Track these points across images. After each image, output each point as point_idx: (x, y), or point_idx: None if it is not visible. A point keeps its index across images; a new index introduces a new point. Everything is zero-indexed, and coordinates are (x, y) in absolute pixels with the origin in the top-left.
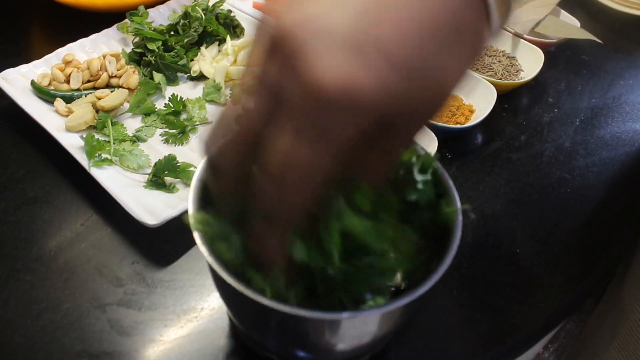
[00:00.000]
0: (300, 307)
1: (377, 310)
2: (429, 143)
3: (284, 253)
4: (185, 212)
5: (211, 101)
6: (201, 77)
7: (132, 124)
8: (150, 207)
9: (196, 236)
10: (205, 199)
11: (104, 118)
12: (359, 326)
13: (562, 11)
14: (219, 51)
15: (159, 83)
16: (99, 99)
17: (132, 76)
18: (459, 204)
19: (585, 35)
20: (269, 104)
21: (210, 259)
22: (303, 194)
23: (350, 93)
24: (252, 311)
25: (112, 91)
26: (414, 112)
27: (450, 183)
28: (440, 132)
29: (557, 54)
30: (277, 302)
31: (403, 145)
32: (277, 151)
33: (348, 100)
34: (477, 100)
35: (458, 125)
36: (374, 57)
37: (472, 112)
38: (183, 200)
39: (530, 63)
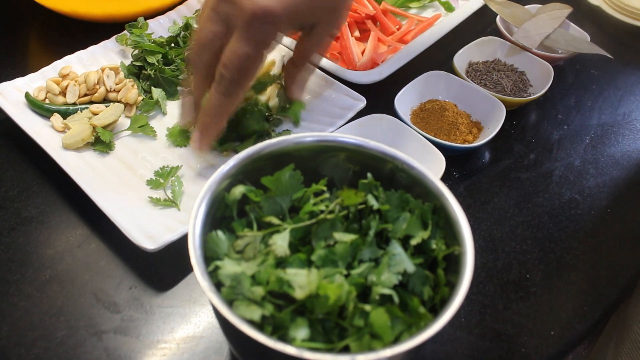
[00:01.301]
0: (306, 348)
1: (385, 353)
2: (437, 163)
3: (228, 116)
4: (185, 235)
5: None
6: None
7: (130, 142)
8: (149, 231)
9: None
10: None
11: (105, 137)
12: None
13: (572, 24)
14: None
15: (158, 100)
16: (94, 114)
17: (131, 91)
18: (469, 245)
19: (595, 49)
20: (223, 26)
21: (213, 297)
22: (247, 74)
23: (269, 10)
24: (255, 350)
25: (107, 106)
26: (315, 18)
27: (460, 219)
28: (448, 151)
29: (567, 69)
30: (282, 343)
31: (319, 42)
32: (230, 51)
33: (269, 14)
34: (485, 117)
35: (466, 145)
36: None
37: (480, 129)
38: (182, 223)
39: (539, 78)
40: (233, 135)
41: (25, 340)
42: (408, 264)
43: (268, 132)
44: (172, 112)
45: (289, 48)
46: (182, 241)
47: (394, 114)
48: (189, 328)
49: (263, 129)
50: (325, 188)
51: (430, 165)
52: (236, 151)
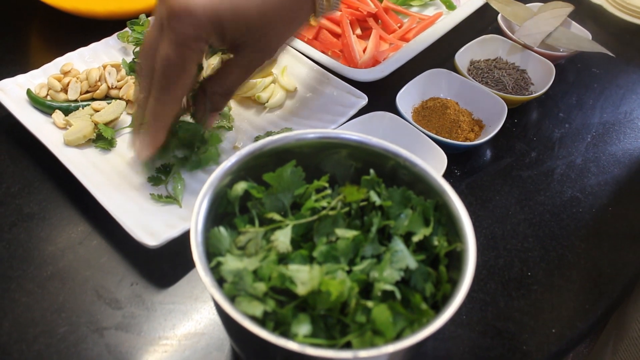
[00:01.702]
0: (308, 344)
1: (387, 349)
2: (438, 161)
3: (164, 123)
4: (186, 232)
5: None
6: None
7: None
8: (150, 227)
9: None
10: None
11: (107, 133)
12: None
13: (573, 23)
14: (222, 61)
15: None
16: (96, 111)
17: (133, 88)
18: (471, 241)
19: (597, 48)
20: (159, 29)
21: (215, 293)
22: (170, 78)
23: (189, 9)
24: (257, 345)
25: (108, 103)
26: (240, 35)
27: (462, 216)
28: (449, 149)
29: (568, 67)
30: (284, 339)
31: (242, 65)
32: (158, 53)
33: (188, 13)
34: (486, 115)
35: (467, 143)
36: None
37: (481, 127)
38: (184, 220)
39: (540, 76)
40: (173, 145)
41: (27, 336)
42: (410, 261)
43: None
44: None
45: (330, 71)
46: (184, 238)
47: (396, 111)
48: (191, 325)
49: (196, 142)
50: (327, 184)
51: (432, 163)
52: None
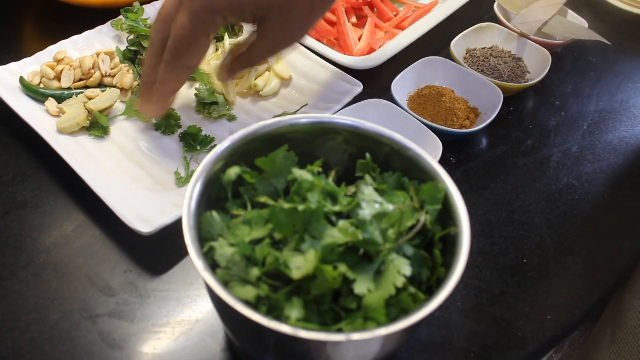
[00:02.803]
0: (301, 327)
1: (380, 332)
2: (433, 148)
3: (177, 85)
4: (180, 219)
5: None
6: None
7: (125, 126)
8: (144, 214)
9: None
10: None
11: (102, 121)
12: (362, 347)
13: (570, 11)
14: (216, 49)
15: None
16: (89, 98)
17: (126, 75)
18: (465, 225)
19: (593, 36)
20: (177, 2)
21: (207, 277)
22: (182, 46)
23: None
24: (250, 330)
25: (102, 91)
26: (261, 9)
27: (456, 199)
28: (444, 136)
29: (564, 55)
30: (277, 322)
31: (267, 40)
32: (174, 21)
33: None
34: (482, 102)
35: (463, 130)
36: None
37: (477, 115)
38: (177, 207)
39: (536, 64)
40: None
41: (19, 323)
42: (405, 245)
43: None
44: None
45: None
46: (177, 225)
47: (391, 99)
48: (184, 312)
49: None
50: (320, 169)
51: (427, 150)
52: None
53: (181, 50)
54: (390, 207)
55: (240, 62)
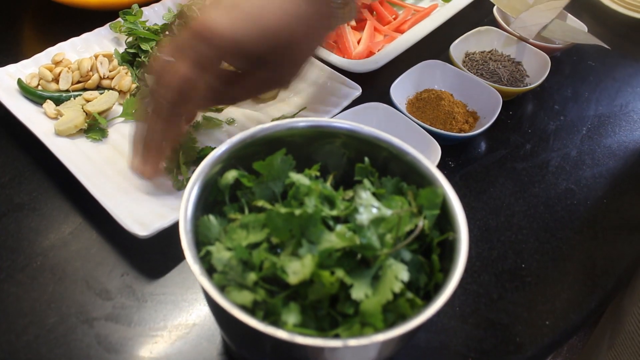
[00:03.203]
0: (298, 333)
1: (377, 338)
2: (432, 152)
3: (170, 137)
4: (177, 222)
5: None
6: None
7: (123, 129)
8: (141, 217)
9: (185, 249)
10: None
11: (102, 122)
12: (359, 352)
13: (569, 15)
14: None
15: None
16: (88, 101)
17: (125, 78)
18: (463, 230)
19: (593, 40)
20: (176, 51)
21: (204, 281)
22: (182, 96)
23: (212, 28)
24: (246, 335)
25: (101, 93)
26: (260, 52)
27: (454, 204)
28: (443, 140)
29: (564, 60)
30: (274, 327)
31: (253, 85)
32: (175, 70)
33: (210, 32)
34: (481, 106)
35: (462, 134)
36: (235, 12)
37: (476, 119)
38: (174, 210)
39: (536, 68)
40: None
41: (16, 327)
42: (403, 251)
43: None
44: None
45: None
46: (175, 228)
47: (390, 103)
48: (181, 316)
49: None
50: (318, 173)
51: (426, 154)
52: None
53: (177, 98)
54: (388, 212)
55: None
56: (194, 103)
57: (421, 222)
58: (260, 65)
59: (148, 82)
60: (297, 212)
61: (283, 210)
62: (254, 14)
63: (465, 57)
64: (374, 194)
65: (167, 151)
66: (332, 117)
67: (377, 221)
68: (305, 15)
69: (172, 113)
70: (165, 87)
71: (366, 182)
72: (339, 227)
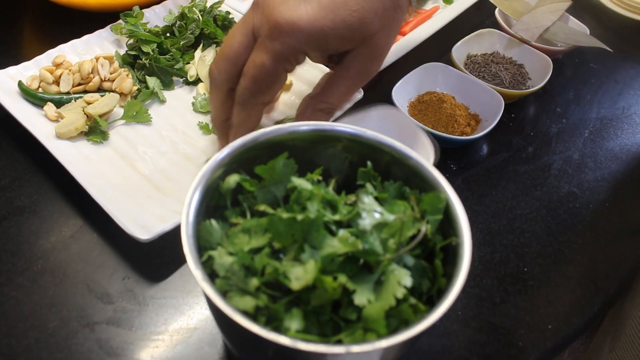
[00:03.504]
0: (300, 339)
1: (380, 344)
2: (427, 154)
3: (255, 122)
4: (179, 226)
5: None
6: (198, 82)
7: (124, 131)
8: (142, 221)
9: (187, 254)
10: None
11: (103, 125)
12: (362, 358)
13: (571, 18)
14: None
15: (155, 89)
16: (88, 103)
17: (126, 80)
18: (467, 235)
19: (595, 42)
20: (250, 37)
21: (206, 287)
22: (262, 85)
23: (295, 25)
24: (248, 340)
25: (102, 95)
26: (346, 45)
27: (457, 209)
28: (445, 143)
29: (565, 62)
30: (276, 333)
31: (347, 76)
32: (249, 60)
33: (293, 28)
34: (483, 109)
35: (464, 137)
36: (313, 3)
37: (478, 122)
38: (176, 213)
39: (538, 71)
40: None
41: (16, 331)
42: (405, 256)
43: None
44: (170, 101)
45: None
46: (176, 232)
47: (392, 105)
48: (183, 320)
49: None
50: (320, 177)
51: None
52: None
53: (261, 90)
54: (390, 217)
55: (321, 112)
56: (274, 90)
57: (424, 227)
58: (346, 56)
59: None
60: (300, 217)
61: (285, 215)
62: (333, 6)
63: (467, 60)
64: (376, 199)
65: (249, 132)
66: (334, 120)
67: (380, 226)
68: (383, 6)
69: (255, 102)
70: (249, 79)
71: (368, 186)
72: (342, 232)
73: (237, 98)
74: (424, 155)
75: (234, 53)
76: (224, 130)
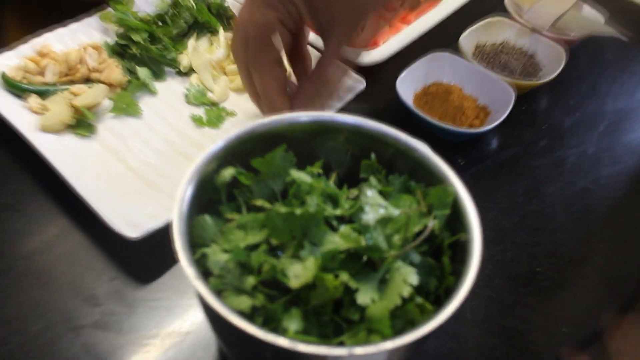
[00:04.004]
0: (300, 340)
1: (385, 346)
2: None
3: (278, 86)
4: (171, 223)
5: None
6: (191, 72)
7: (113, 124)
8: (131, 218)
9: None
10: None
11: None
12: None
13: (585, 5)
14: (211, 44)
15: (146, 80)
16: (75, 95)
17: (115, 71)
18: (476, 230)
19: (610, 31)
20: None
21: (199, 286)
22: (262, 37)
23: None
24: (244, 343)
25: (89, 87)
26: (330, 11)
27: (466, 204)
28: (452, 136)
29: (580, 52)
30: (274, 334)
31: (335, 46)
32: (250, 24)
33: None
34: (493, 101)
35: (472, 130)
36: None
37: (487, 114)
38: (167, 210)
39: (551, 61)
40: None
41: None
42: (411, 252)
43: None
44: (162, 93)
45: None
46: (168, 230)
47: (396, 97)
48: (175, 323)
49: None
50: (320, 170)
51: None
52: None
53: (260, 45)
54: (395, 211)
55: (323, 98)
56: (277, 43)
57: (431, 223)
58: (329, 25)
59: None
60: (298, 211)
61: (283, 209)
62: None
63: (475, 50)
64: (380, 193)
65: (281, 91)
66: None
67: (384, 221)
68: None
69: (263, 62)
70: (248, 37)
71: (372, 179)
72: (343, 228)
73: (248, 64)
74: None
75: (241, 26)
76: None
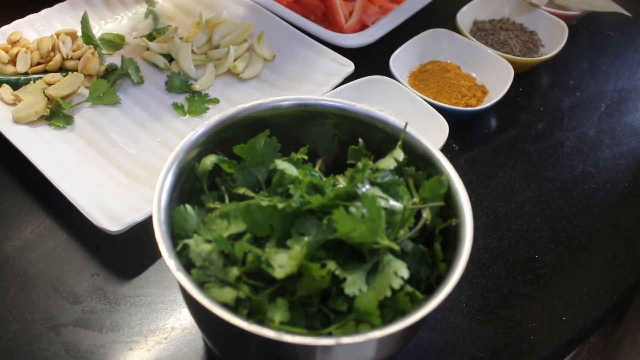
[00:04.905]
0: (286, 331)
1: (373, 335)
2: (439, 129)
3: None
4: (151, 216)
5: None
6: (170, 60)
7: (90, 114)
8: (112, 211)
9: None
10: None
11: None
12: (355, 352)
13: None
14: (198, 23)
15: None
16: (49, 84)
17: (92, 60)
18: (468, 215)
19: (612, 7)
20: None
21: (181, 278)
22: None
23: None
24: (230, 336)
25: (64, 75)
26: None
27: (457, 187)
28: (448, 115)
29: (580, 30)
30: (259, 326)
31: None
32: None
33: None
34: (491, 79)
35: (468, 108)
36: None
37: (485, 93)
38: (149, 202)
39: (552, 38)
40: None
41: None
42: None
43: None
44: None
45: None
46: (150, 223)
47: (390, 76)
48: (159, 319)
49: None
50: (306, 157)
51: (432, 132)
52: None
53: None
54: (397, 204)
55: None
56: None
57: (424, 214)
58: None
59: None
60: (280, 205)
61: (265, 202)
62: None
63: (474, 26)
64: (372, 184)
65: None
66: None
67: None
68: None
69: None
70: None
71: (360, 165)
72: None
73: None
74: (436, 133)
75: None
76: None
